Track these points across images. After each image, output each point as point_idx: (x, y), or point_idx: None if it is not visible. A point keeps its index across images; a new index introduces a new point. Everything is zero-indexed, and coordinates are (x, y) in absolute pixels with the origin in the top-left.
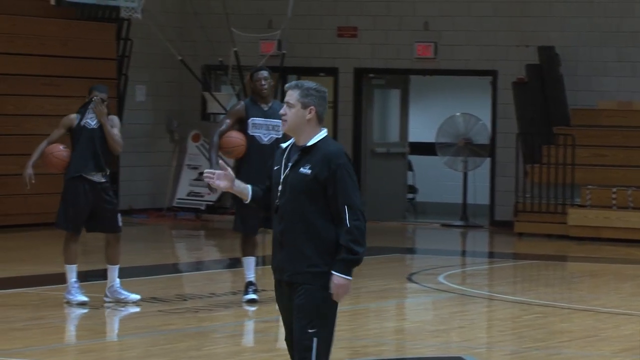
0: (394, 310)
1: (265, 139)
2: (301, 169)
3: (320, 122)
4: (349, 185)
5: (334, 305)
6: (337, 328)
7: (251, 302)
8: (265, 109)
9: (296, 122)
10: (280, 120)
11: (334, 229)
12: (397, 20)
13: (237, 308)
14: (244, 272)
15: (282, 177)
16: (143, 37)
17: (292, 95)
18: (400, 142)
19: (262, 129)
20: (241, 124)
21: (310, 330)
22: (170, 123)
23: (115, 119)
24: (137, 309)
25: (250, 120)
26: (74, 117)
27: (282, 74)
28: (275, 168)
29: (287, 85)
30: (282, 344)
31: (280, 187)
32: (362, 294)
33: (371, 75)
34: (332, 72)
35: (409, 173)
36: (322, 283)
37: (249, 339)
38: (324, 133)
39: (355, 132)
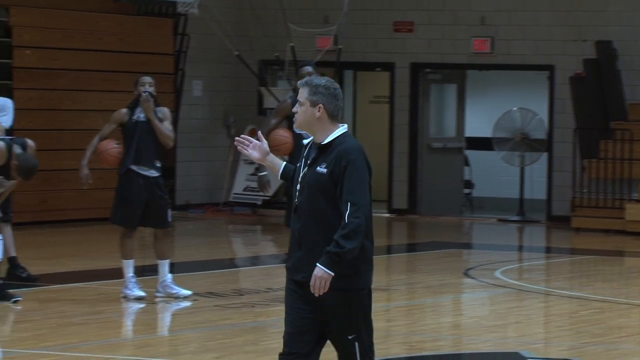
0: (451, 306)
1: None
2: (318, 168)
3: (333, 119)
4: (354, 181)
5: (364, 303)
6: (393, 323)
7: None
8: None
9: (306, 120)
10: None
11: None
12: (453, 15)
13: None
14: None
15: (301, 175)
16: (200, 32)
17: (302, 93)
18: (456, 137)
19: None
20: (289, 121)
21: (350, 337)
22: (226, 118)
23: (165, 110)
24: (188, 304)
25: None
26: (124, 112)
27: (339, 69)
28: (298, 165)
29: (298, 82)
30: None
31: (298, 186)
32: (419, 289)
33: (427, 70)
34: (389, 67)
35: (466, 168)
36: (349, 288)
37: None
38: (342, 129)
39: (411, 127)
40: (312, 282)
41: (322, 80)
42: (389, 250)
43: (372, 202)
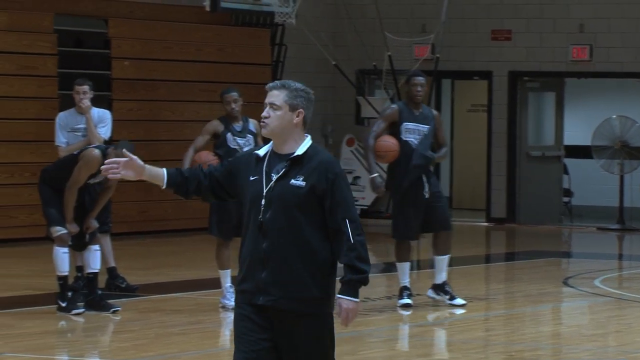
0: (550, 315)
1: (417, 144)
2: (292, 181)
3: (305, 127)
4: (348, 196)
5: (332, 326)
6: (492, 332)
7: (406, 306)
8: (417, 114)
9: (281, 125)
10: (428, 126)
11: (329, 247)
12: (551, 23)
13: (391, 312)
14: (398, 277)
15: (265, 189)
16: (297, 42)
17: (278, 96)
18: (555, 145)
19: (415, 134)
20: (392, 128)
21: None
22: (324, 127)
23: (257, 124)
24: None
25: (404, 125)
26: (216, 123)
27: (436, 78)
28: (253, 179)
29: (269, 85)
30: (438, 349)
31: (263, 201)
32: (518, 298)
33: (526, 78)
34: (486, 75)
35: (565, 176)
36: (320, 313)
37: (403, 344)
38: (310, 140)
39: (509, 135)
40: (343, 316)
41: (299, 84)
42: (487, 259)
43: None
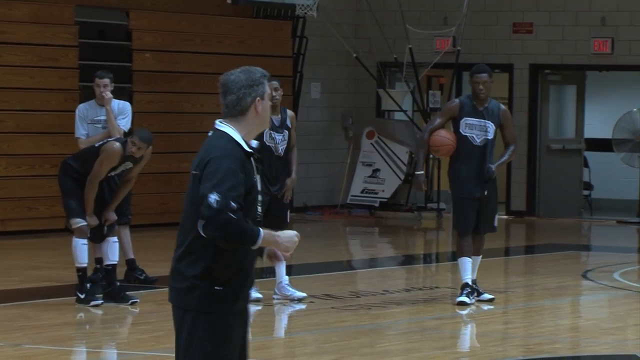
0: (569, 308)
1: (478, 140)
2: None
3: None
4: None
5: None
6: (511, 325)
7: (461, 304)
8: (480, 109)
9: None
10: (491, 122)
11: None
12: (573, 16)
13: (410, 305)
14: (459, 272)
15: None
16: (318, 35)
17: (267, 87)
18: (576, 138)
19: (475, 130)
20: (454, 123)
21: None
22: (345, 120)
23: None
24: (303, 307)
25: (464, 120)
26: None
27: (457, 70)
28: (256, 179)
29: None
30: (456, 342)
31: (260, 197)
32: (537, 291)
33: (547, 71)
34: (508, 68)
35: (585, 169)
36: None
37: (422, 336)
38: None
39: (530, 128)
40: None
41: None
42: (507, 252)
43: None
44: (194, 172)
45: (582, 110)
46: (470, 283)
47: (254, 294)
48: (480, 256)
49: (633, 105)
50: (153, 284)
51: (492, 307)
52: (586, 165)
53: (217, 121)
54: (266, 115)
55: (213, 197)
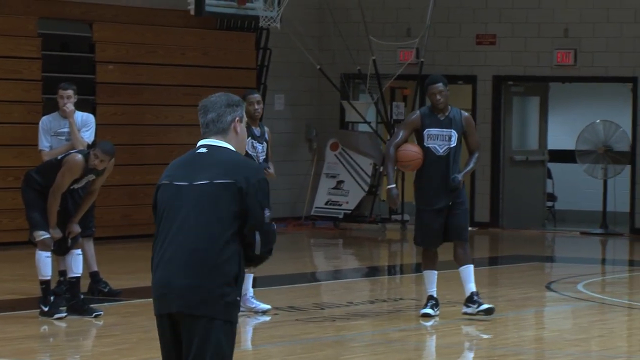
0: (533, 319)
1: (441, 151)
2: None
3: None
4: None
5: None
6: (476, 337)
7: (425, 316)
8: (442, 118)
9: None
10: (453, 130)
11: None
12: (536, 27)
13: (374, 317)
14: (424, 285)
15: None
16: (282, 46)
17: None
18: (539, 149)
19: (438, 140)
20: (417, 135)
21: None
22: (308, 132)
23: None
24: (267, 319)
25: (426, 132)
26: None
27: (421, 81)
28: None
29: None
30: (420, 354)
31: None
32: (501, 302)
33: (510, 82)
34: (471, 79)
35: (548, 181)
36: None
37: (386, 348)
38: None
39: (493, 139)
40: None
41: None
42: None
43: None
44: (223, 181)
45: (545, 121)
46: (434, 295)
47: None
48: (469, 265)
49: (596, 116)
50: (117, 297)
51: (456, 318)
52: (550, 176)
53: (203, 140)
54: (243, 137)
55: (268, 214)
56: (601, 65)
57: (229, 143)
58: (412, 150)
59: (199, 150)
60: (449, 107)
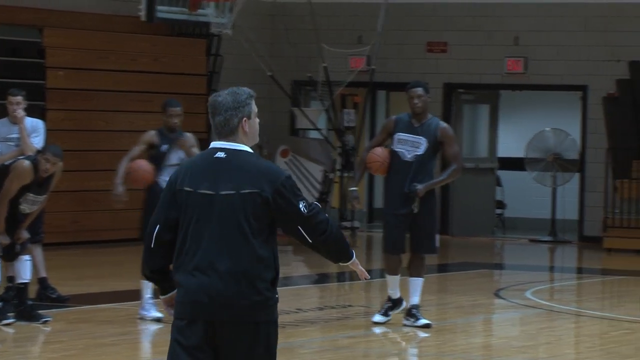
0: (481, 326)
1: (409, 156)
2: None
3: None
4: None
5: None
6: (424, 343)
7: (377, 323)
8: (416, 125)
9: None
10: (424, 138)
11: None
12: (486, 36)
13: (323, 324)
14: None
15: None
16: (233, 53)
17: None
18: (489, 157)
19: (407, 145)
20: (391, 139)
21: None
22: (260, 138)
23: (190, 137)
24: None
25: (396, 135)
26: (153, 133)
27: (372, 89)
28: None
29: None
30: (370, 359)
31: None
32: (450, 309)
33: (461, 90)
34: None
35: (498, 188)
36: None
37: (335, 355)
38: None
39: None
40: None
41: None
42: None
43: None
44: (249, 191)
45: (495, 129)
46: (392, 298)
47: (154, 313)
48: (419, 278)
49: (546, 124)
50: (65, 303)
51: (406, 324)
52: (499, 184)
53: (217, 142)
54: (254, 131)
55: (302, 205)
56: (551, 74)
57: (242, 143)
58: (375, 153)
59: (217, 155)
60: (429, 115)
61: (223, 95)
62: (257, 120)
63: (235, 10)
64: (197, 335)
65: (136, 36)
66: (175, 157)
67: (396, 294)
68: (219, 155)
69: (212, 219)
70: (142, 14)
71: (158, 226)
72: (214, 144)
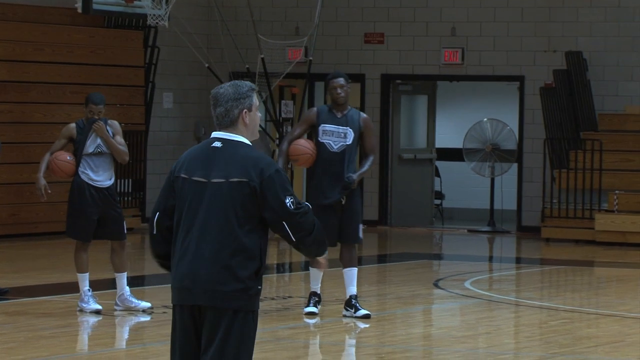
0: (421, 316)
1: (335, 147)
2: None
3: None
4: None
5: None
6: (363, 334)
7: (309, 314)
8: (339, 116)
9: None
10: (350, 129)
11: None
12: (423, 26)
13: (263, 315)
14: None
15: None
16: (170, 45)
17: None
18: (427, 148)
19: (333, 136)
20: (314, 131)
21: None
22: (198, 130)
23: (116, 125)
24: (148, 318)
25: (321, 127)
26: (73, 127)
27: (309, 80)
28: None
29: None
30: (308, 351)
31: None
32: (389, 300)
33: (398, 81)
34: (359, 78)
35: (436, 179)
36: None
37: (275, 346)
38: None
39: (382, 138)
40: None
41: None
42: (359, 261)
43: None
44: (238, 179)
45: (433, 120)
46: (318, 292)
47: (93, 305)
48: (353, 268)
49: (483, 115)
50: (4, 295)
51: (345, 315)
52: (437, 174)
53: (217, 133)
54: (255, 124)
55: (289, 201)
56: (488, 64)
57: (241, 135)
58: (303, 145)
59: (214, 144)
60: (349, 107)
61: (225, 87)
62: (259, 114)
63: (171, 1)
64: (187, 319)
65: (72, 28)
66: (92, 146)
67: (318, 287)
68: (216, 145)
69: (202, 206)
70: (79, 5)
71: (158, 213)
72: (214, 134)
